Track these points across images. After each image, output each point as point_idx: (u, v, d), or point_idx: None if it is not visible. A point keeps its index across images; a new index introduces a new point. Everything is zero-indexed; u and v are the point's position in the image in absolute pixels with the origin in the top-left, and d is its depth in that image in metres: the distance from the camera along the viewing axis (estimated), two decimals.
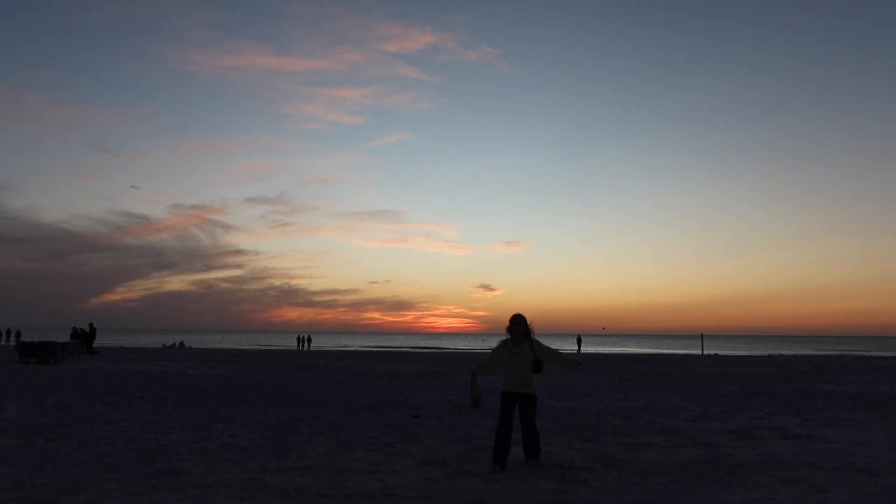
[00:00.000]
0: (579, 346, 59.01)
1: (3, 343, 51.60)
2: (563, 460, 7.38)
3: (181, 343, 62.44)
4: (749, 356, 49.26)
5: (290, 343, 78.40)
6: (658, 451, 7.97)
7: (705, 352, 57.47)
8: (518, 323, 7.17)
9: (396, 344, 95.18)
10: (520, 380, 7.06)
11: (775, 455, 7.73)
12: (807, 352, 66.07)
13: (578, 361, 7.75)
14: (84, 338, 28.60)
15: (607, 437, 9.10)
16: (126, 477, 6.37)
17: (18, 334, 47.83)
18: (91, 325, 29.18)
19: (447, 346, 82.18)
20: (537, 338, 7.28)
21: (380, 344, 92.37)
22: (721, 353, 58.35)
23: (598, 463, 7.26)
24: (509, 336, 7.22)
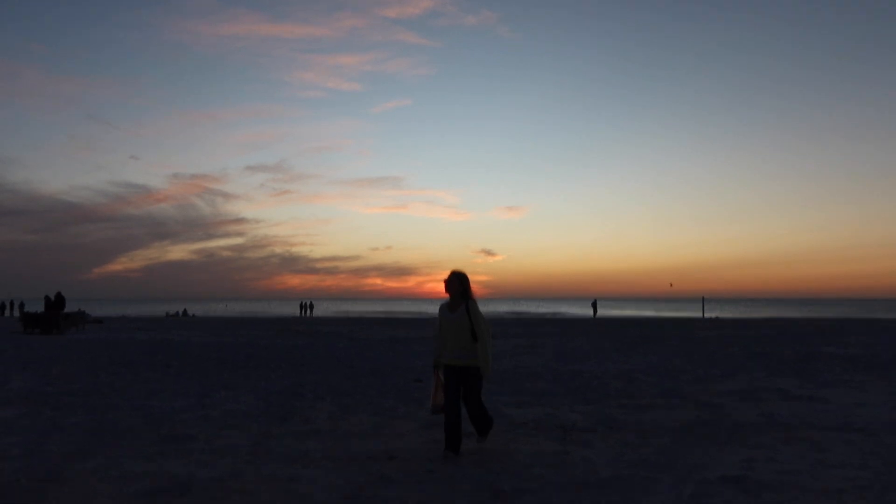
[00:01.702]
0: (595, 311, 59.06)
1: (7, 315, 51.88)
2: (564, 422, 7.46)
3: (184, 312, 62.78)
4: (750, 319, 49.49)
5: (293, 310, 78.83)
6: (659, 413, 8.05)
7: (706, 315, 57.75)
8: (452, 282, 5.92)
9: (398, 310, 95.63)
10: (460, 349, 5.84)
11: (775, 416, 7.80)
12: (808, 314, 66.35)
13: (487, 366, 5.89)
14: (51, 308, 28.58)
15: (609, 399, 9.18)
16: (133, 443, 6.44)
17: (22, 305, 48.05)
18: (59, 293, 29.15)
19: None
20: (477, 303, 5.99)
21: (382, 310, 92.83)
22: (722, 316, 58.63)
23: (599, 424, 7.33)
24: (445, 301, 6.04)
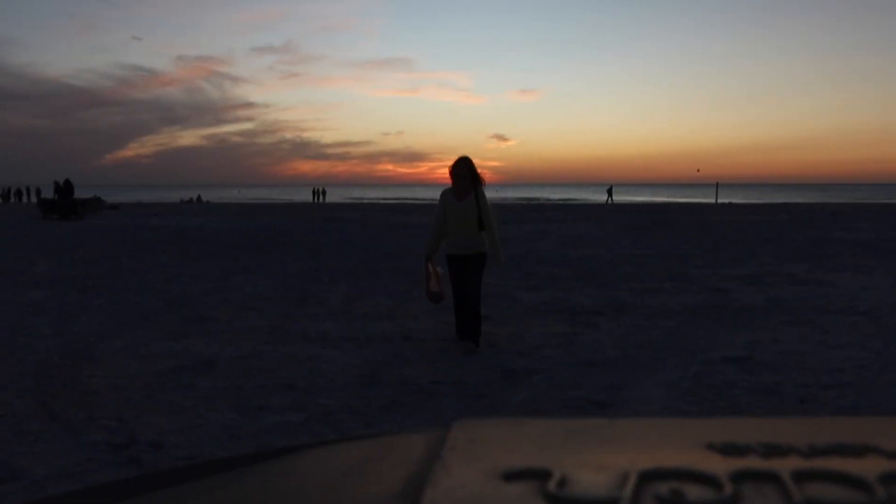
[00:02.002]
0: (610, 197, 58.73)
1: (24, 201, 52.53)
2: (574, 305, 7.66)
3: (198, 198, 63.24)
4: (763, 204, 49.28)
5: (306, 197, 79.19)
6: (667, 296, 8.23)
7: (719, 201, 57.51)
8: (461, 168, 5.63)
9: (411, 196, 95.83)
10: (465, 239, 5.63)
11: (781, 299, 7.95)
12: (823, 199, 65.89)
13: (499, 258, 5.76)
14: (62, 194, 29.00)
15: (618, 283, 9.36)
16: (157, 324, 6.72)
17: (39, 192, 48.54)
18: (67, 180, 29.47)
19: None
20: (485, 192, 5.77)
21: (394, 196, 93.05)
22: (735, 201, 58.37)
23: (608, 307, 7.53)
24: (452, 185, 5.72)
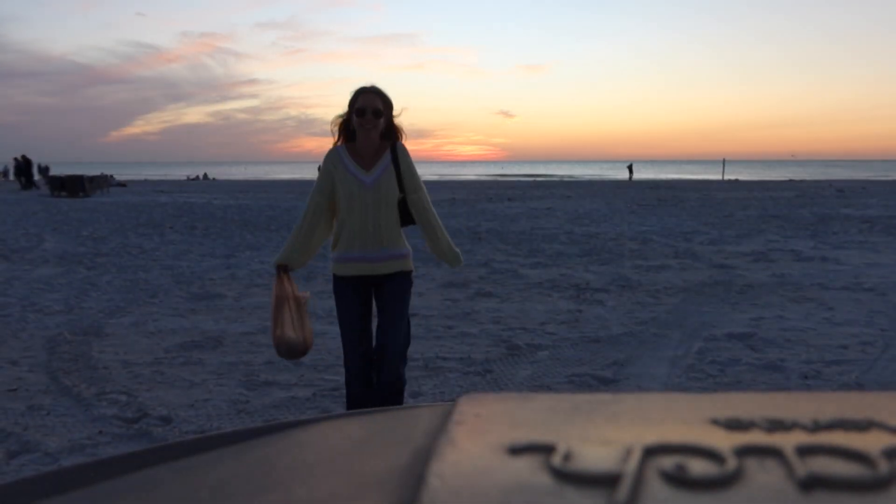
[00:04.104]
0: (631, 175, 58.36)
1: (35, 178, 52.58)
2: (579, 282, 7.66)
3: (204, 175, 63.21)
4: (770, 181, 48.97)
5: (311, 173, 79.01)
6: (672, 273, 8.22)
7: (726, 177, 57.15)
8: (368, 104, 3.07)
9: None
10: (375, 242, 3.10)
11: (787, 276, 7.94)
12: (831, 176, 65.42)
13: (458, 255, 3.26)
14: (22, 169, 29.70)
15: (623, 260, 9.35)
16: (165, 301, 6.76)
17: (47, 169, 48.61)
18: (23, 156, 30.23)
19: (467, 174, 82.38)
20: (410, 156, 3.20)
21: None
22: (742, 178, 58.02)
23: (613, 284, 7.53)
24: (341, 144, 3.19)
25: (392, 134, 3.18)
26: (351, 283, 3.13)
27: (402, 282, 3.16)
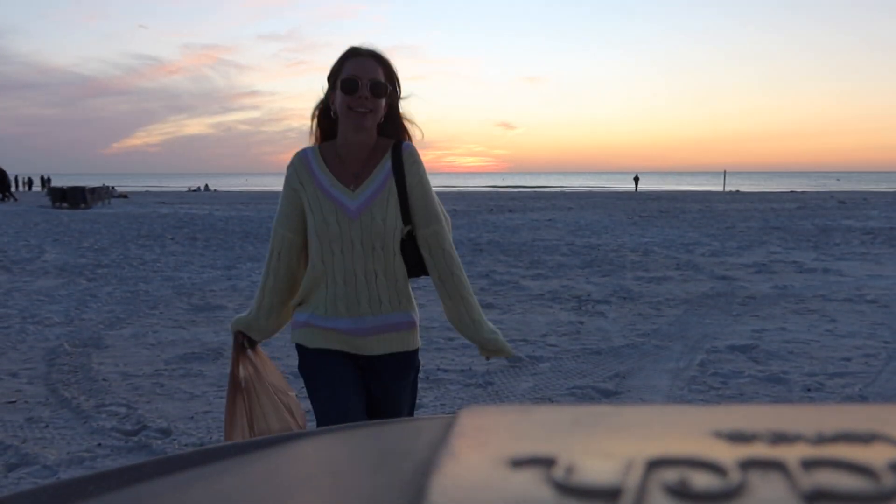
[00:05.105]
0: (637, 185, 58.49)
1: (30, 190, 52.82)
2: (581, 294, 7.65)
3: (206, 186, 63.38)
4: (771, 192, 49.03)
5: None
6: (673, 285, 8.21)
7: (727, 188, 57.24)
8: (359, 81, 1.89)
9: None
10: (357, 306, 1.97)
11: (789, 288, 7.93)
12: (832, 187, 65.49)
13: (495, 335, 2.03)
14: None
15: (624, 271, 9.34)
16: (166, 312, 6.76)
17: (49, 180, 48.83)
18: None
19: (468, 185, 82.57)
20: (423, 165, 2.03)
21: None
22: (743, 189, 58.09)
23: (614, 296, 7.52)
24: (316, 142, 2.07)
25: (395, 129, 2.01)
26: (328, 355, 1.97)
27: (404, 368, 2.04)
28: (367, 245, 1.93)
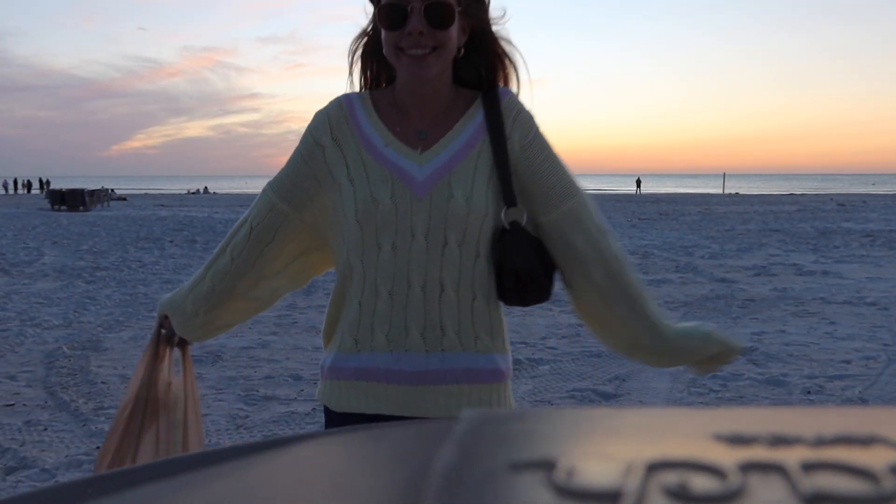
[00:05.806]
0: (639, 188, 58.65)
1: (29, 193, 52.84)
2: None
3: (205, 189, 63.39)
4: (770, 195, 49.09)
5: None
6: (673, 288, 8.21)
7: (726, 190, 57.30)
8: (413, 6, 1.16)
9: None
10: (416, 336, 1.24)
11: (788, 290, 7.93)
12: (832, 190, 65.55)
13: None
14: None
15: None
16: None
17: (48, 182, 48.87)
18: None
19: None
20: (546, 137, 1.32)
21: None
22: (742, 191, 58.14)
23: None
24: (367, 82, 1.34)
25: (488, 69, 1.32)
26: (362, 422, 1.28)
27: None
28: (435, 238, 1.23)
